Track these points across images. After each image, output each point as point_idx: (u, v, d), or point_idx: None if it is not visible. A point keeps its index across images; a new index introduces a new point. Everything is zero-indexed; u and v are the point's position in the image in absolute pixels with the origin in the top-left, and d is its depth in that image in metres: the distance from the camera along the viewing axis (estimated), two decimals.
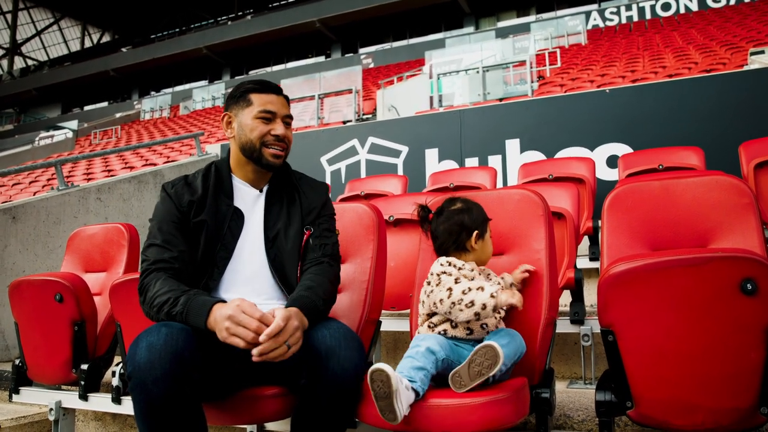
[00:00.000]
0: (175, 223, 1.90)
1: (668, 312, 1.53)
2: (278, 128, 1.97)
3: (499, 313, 1.88)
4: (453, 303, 1.76)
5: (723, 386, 1.51)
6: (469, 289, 1.76)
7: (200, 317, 1.65)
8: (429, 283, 1.90)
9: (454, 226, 1.97)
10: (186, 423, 1.58)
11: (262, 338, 1.55)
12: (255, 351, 1.55)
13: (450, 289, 1.79)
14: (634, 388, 1.61)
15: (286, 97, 2.08)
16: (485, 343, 1.66)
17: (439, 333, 1.84)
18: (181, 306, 1.69)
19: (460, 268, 1.89)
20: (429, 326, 1.86)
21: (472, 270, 1.91)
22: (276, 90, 2.03)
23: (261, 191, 2.05)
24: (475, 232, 1.96)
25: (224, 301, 1.69)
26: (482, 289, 1.75)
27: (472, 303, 1.73)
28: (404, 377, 1.62)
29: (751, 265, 1.45)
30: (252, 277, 1.94)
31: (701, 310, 1.50)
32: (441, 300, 1.79)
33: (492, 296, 1.72)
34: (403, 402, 1.56)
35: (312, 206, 2.05)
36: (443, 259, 1.93)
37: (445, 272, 1.87)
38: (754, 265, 1.44)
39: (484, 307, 1.72)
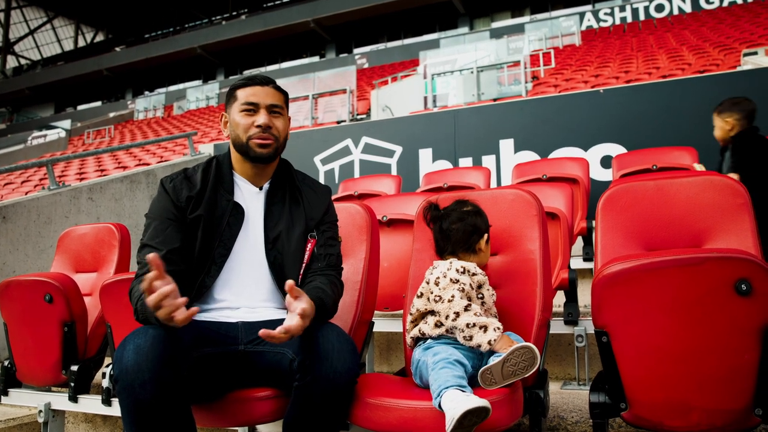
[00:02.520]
0: (171, 220, 1.86)
1: (663, 313, 1.52)
2: (260, 118, 1.92)
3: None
4: (455, 327, 1.80)
5: (717, 387, 1.50)
6: (474, 325, 1.77)
7: (154, 317, 1.60)
8: (438, 285, 1.88)
9: (468, 227, 1.99)
10: (174, 425, 1.56)
11: (280, 330, 1.55)
12: (261, 332, 1.54)
13: (457, 313, 1.80)
14: (628, 390, 1.60)
15: (278, 88, 2.02)
16: (524, 343, 1.66)
17: (447, 332, 1.84)
18: (140, 312, 1.68)
19: (474, 274, 1.90)
20: (437, 325, 1.86)
21: (484, 275, 1.94)
22: (261, 82, 1.98)
23: (261, 189, 2.02)
24: (486, 235, 1.99)
25: None
26: (485, 329, 1.77)
27: (471, 338, 1.77)
28: (456, 387, 1.59)
29: (745, 266, 1.44)
30: (249, 277, 1.92)
31: (696, 311, 1.49)
32: (446, 317, 1.81)
33: (489, 343, 1.75)
34: None
35: (314, 210, 2.02)
36: (458, 264, 1.91)
37: (458, 281, 1.86)
38: (749, 265, 1.44)
39: (479, 346, 1.76)
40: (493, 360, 1.67)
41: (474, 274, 1.91)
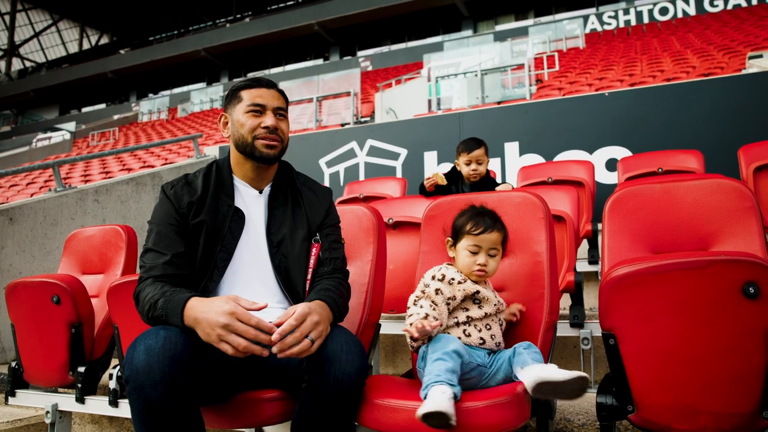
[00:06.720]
0: (173, 225, 1.87)
1: (670, 315, 1.52)
2: (268, 120, 1.93)
3: (501, 323, 1.93)
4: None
5: (725, 390, 1.50)
6: (410, 315, 1.83)
7: (176, 317, 1.64)
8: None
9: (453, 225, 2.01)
10: (184, 427, 1.56)
11: (274, 338, 1.57)
12: (274, 349, 1.57)
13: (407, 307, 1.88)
14: (635, 392, 1.60)
15: (281, 92, 2.04)
16: (582, 374, 1.61)
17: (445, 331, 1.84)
18: (160, 309, 1.68)
19: (450, 282, 1.87)
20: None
21: (465, 281, 1.89)
22: (266, 84, 1.99)
23: (261, 192, 2.02)
24: (449, 240, 1.99)
25: (199, 295, 1.68)
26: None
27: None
28: (443, 382, 1.60)
29: (753, 269, 1.44)
30: (254, 281, 1.92)
31: (703, 314, 1.49)
32: (409, 315, 1.85)
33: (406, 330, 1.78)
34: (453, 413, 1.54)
35: (315, 213, 2.02)
36: (437, 270, 1.90)
37: (428, 286, 1.87)
38: (757, 268, 1.43)
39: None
40: (541, 369, 1.66)
41: (450, 282, 1.87)
